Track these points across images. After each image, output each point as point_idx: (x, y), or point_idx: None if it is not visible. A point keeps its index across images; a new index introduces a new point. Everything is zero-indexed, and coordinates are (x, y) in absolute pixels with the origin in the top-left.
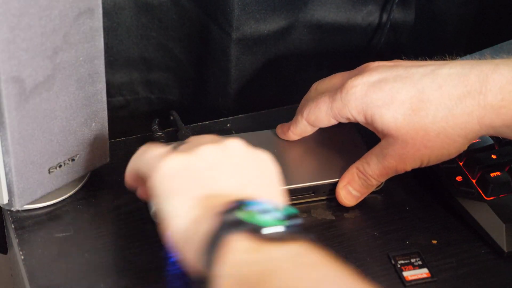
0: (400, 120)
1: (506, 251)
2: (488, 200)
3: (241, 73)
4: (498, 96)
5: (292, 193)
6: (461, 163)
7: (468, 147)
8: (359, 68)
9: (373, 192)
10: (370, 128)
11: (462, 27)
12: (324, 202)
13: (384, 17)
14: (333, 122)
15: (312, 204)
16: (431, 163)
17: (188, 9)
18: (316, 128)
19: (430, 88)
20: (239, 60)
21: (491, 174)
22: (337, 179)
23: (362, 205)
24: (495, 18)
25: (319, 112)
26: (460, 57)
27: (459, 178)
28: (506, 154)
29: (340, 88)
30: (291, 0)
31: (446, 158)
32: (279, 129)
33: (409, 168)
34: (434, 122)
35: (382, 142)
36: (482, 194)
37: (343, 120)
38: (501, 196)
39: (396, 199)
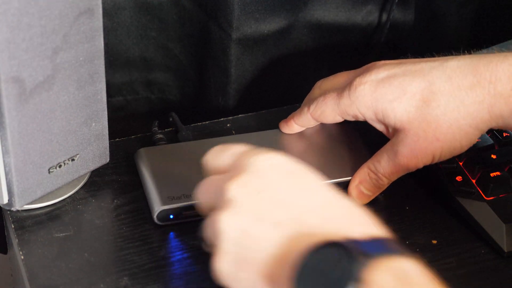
0: (413, 112)
1: (506, 251)
2: (488, 200)
3: (241, 73)
4: (507, 85)
5: None
6: (461, 163)
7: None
8: (364, 67)
9: None
10: (378, 127)
11: (462, 27)
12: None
13: (384, 16)
14: (339, 119)
15: None
16: (443, 158)
17: (188, 9)
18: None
19: (440, 80)
20: (239, 60)
21: (491, 174)
22: (338, 179)
23: (362, 205)
24: (495, 18)
25: (325, 108)
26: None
27: (459, 178)
28: (506, 154)
29: (348, 85)
30: (291, 0)
31: (458, 151)
32: (282, 122)
33: (421, 165)
34: (445, 113)
35: (393, 139)
36: (482, 194)
37: (349, 118)
38: (501, 196)
39: (396, 199)
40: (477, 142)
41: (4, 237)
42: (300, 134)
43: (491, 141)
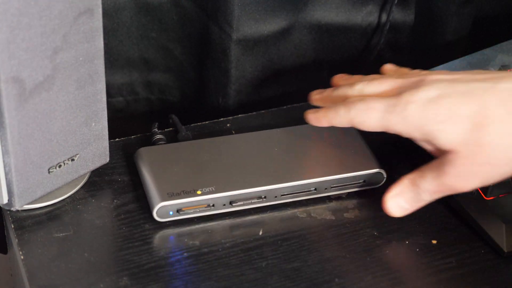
0: (463, 135)
1: (506, 251)
2: (488, 200)
3: (241, 73)
4: None
5: (294, 189)
6: None
7: None
8: (413, 80)
9: (373, 191)
10: (425, 146)
11: (461, 27)
12: (324, 202)
13: (384, 17)
14: (378, 130)
15: (311, 204)
16: (492, 182)
17: (188, 10)
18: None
19: (493, 104)
20: (239, 61)
21: None
22: (339, 175)
23: (362, 205)
24: (495, 18)
25: (368, 118)
26: (459, 58)
27: None
28: None
29: (396, 100)
30: (291, 0)
31: (508, 174)
32: (311, 114)
33: (469, 188)
34: (498, 138)
35: (441, 158)
36: (482, 194)
37: (392, 132)
38: (501, 196)
39: None
40: None
41: (4, 237)
42: (301, 133)
43: None
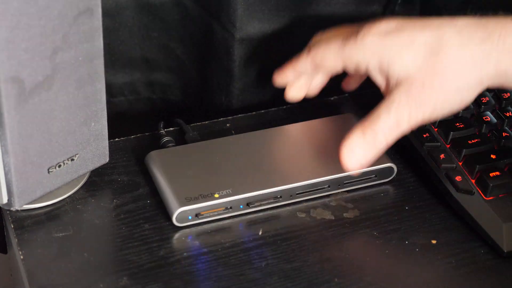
0: (420, 61)
1: (505, 251)
2: (488, 200)
3: (245, 73)
4: None
5: (309, 187)
6: (460, 163)
7: (468, 147)
8: (371, 21)
9: (374, 190)
10: (379, 79)
11: None
12: (324, 202)
13: (389, 15)
14: (339, 66)
15: (311, 204)
16: (443, 111)
17: (190, 9)
18: (317, 74)
19: (450, 32)
20: (242, 60)
21: (491, 174)
22: (338, 175)
23: (362, 205)
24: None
25: (328, 51)
26: None
27: (458, 178)
28: (506, 154)
29: (355, 33)
30: (294, 0)
31: (457, 106)
32: (277, 71)
33: (421, 117)
34: (453, 63)
35: (394, 92)
36: (482, 194)
37: (350, 67)
38: (500, 196)
39: (396, 199)
40: (477, 142)
41: (3, 237)
42: (311, 129)
43: (491, 141)
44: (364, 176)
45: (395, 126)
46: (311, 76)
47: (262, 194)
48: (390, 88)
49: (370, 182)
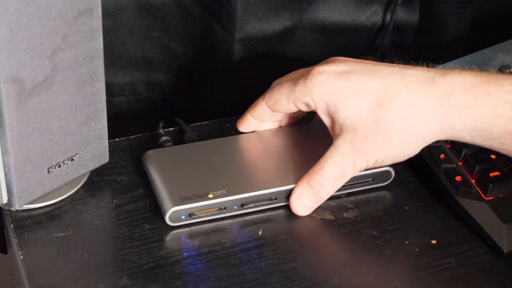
0: (365, 111)
1: (505, 251)
2: (488, 200)
3: (244, 73)
4: (461, 98)
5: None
6: (460, 163)
7: (468, 147)
8: (324, 61)
9: (373, 191)
10: (325, 120)
11: (461, 27)
12: (324, 202)
13: (389, 17)
14: (292, 107)
15: None
16: (385, 163)
17: (190, 9)
18: (276, 116)
19: (397, 85)
20: (242, 60)
21: (491, 174)
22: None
23: (362, 205)
24: (495, 18)
25: (280, 95)
26: (459, 57)
27: (458, 178)
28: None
29: (305, 74)
30: (294, 0)
31: (400, 158)
32: (238, 120)
33: (365, 165)
34: (398, 118)
35: (338, 139)
36: (482, 194)
37: (302, 106)
38: (500, 196)
39: (396, 199)
40: None
41: (3, 237)
42: (307, 131)
43: None
44: (360, 180)
45: (341, 175)
46: (273, 117)
47: (257, 195)
48: (335, 132)
49: (367, 185)
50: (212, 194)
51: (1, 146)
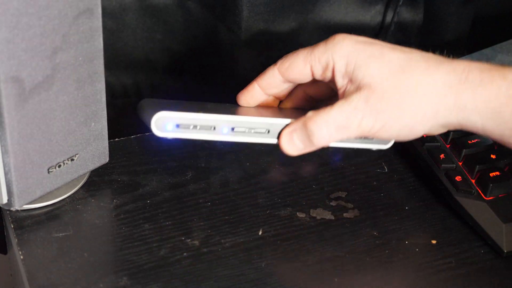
0: (386, 73)
1: (505, 251)
2: (488, 200)
3: (249, 74)
4: (478, 77)
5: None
6: (460, 163)
7: (468, 147)
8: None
9: (373, 191)
10: (340, 82)
11: (461, 27)
12: (324, 202)
13: (393, 17)
14: (307, 72)
15: (311, 204)
16: (389, 133)
17: (193, 11)
18: (282, 89)
19: (419, 58)
20: (247, 61)
21: (491, 174)
22: None
23: (362, 205)
24: (495, 18)
25: (296, 58)
26: (460, 57)
27: (458, 178)
28: (506, 154)
29: (325, 40)
30: (299, 1)
31: (406, 133)
32: (240, 93)
33: (370, 127)
34: (416, 86)
35: (353, 95)
36: (482, 194)
37: (318, 69)
38: (500, 196)
39: (396, 199)
40: (477, 141)
41: (3, 237)
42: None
43: (490, 141)
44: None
45: (343, 126)
46: (280, 88)
47: (249, 121)
48: (348, 92)
49: (365, 143)
50: (203, 113)
51: (1, 146)
